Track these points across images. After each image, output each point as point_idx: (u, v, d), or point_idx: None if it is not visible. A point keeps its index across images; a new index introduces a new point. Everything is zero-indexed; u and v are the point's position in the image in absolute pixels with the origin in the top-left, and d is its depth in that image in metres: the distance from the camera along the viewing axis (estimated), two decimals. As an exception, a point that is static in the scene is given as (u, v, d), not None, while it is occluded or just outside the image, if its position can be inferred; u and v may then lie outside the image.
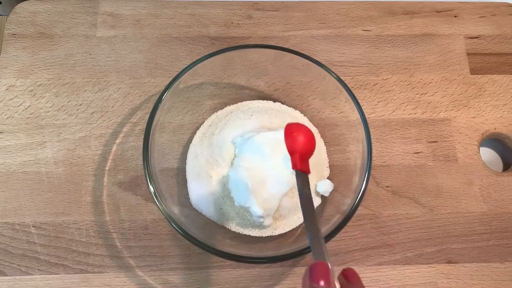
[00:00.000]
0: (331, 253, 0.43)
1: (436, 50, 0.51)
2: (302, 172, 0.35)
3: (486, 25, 0.53)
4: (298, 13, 0.52)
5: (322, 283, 0.26)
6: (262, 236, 0.42)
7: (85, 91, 0.47)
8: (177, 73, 0.41)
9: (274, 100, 0.47)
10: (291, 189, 0.42)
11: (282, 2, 0.53)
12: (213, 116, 0.46)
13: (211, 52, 0.42)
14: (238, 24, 0.51)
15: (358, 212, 0.42)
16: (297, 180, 0.34)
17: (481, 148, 0.48)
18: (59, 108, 0.47)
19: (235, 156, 0.43)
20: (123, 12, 0.51)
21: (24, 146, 0.45)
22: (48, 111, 0.46)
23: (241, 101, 0.47)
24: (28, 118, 0.46)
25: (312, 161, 0.44)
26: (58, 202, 0.43)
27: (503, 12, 0.53)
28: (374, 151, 0.46)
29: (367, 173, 0.39)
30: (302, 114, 0.47)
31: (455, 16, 0.53)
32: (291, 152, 0.36)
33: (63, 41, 0.49)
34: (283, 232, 0.42)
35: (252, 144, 0.41)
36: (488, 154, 0.49)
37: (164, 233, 0.43)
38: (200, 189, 0.43)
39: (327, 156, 0.45)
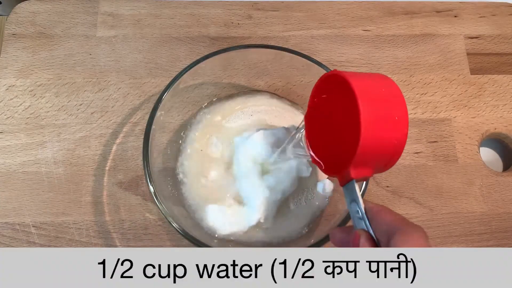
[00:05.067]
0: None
1: (436, 50, 0.51)
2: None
3: (486, 25, 0.52)
4: (298, 13, 0.52)
5: None
6: (262, 236, 0.42)
7: (85, 91, 0.47)
8: (177, 73, 0.41)
9: (274, 100, 0.47)
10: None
11: (282, 2, 0.53)
12: (213, 116, 0.46)
13: (211, 52, 0.42)
14: (238, 24, 0.51)
15: (358, 212, 0.42)
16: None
17: (481, 148, 0.48)
18: (59, 108, 0.47)
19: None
20: (123, 12, 0.51)
21: (24, 146, 0.45)
22: (48, 111, 0.46)
23: (241, 101, 0.47)
24: (28, 118, 0.46)
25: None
26: (58, 202, 0.43)
27: (503, 12, 0.53)
28: (374, 151, 0.46)
29: (367, 173, 0.39)
30: (303, 114, 0.47)
31: (455, 16, 0.53)
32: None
33: (63, 41, 0.49)
34: (283, 232, 0.42)
35: (252, 142, 0.41)
36: (488, 154, 0.49)
37: (164, 233, 0.43)
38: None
39: (327, 156, 0.45)
